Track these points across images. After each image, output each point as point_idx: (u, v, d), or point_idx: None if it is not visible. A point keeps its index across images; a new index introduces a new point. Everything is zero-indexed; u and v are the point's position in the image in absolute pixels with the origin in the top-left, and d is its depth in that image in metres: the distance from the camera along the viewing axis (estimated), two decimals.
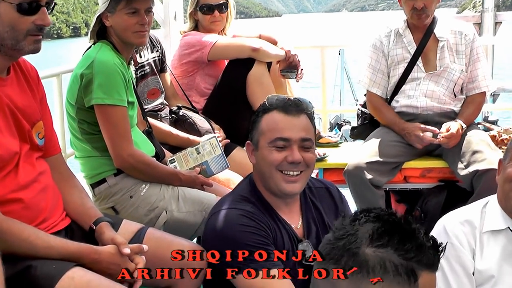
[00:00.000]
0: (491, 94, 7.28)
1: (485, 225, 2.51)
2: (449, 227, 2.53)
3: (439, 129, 4.06)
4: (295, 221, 2.71)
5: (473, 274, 2.48)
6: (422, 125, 4.06)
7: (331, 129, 7.67)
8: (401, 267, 1.52)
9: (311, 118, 2.68)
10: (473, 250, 2.49)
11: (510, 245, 2.48)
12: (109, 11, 3.18)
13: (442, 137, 3.95)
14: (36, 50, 2.37)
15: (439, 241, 1.63)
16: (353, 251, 1.56)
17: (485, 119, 6.16)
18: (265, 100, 2.67)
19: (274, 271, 2.45)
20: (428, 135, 4.01)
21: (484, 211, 2.57)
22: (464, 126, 4.05)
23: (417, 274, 1.53)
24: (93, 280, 2.25)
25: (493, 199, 2.59)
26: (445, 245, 1.62)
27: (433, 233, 2.56)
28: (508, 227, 2.48)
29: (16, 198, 2.34)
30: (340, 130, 6.66)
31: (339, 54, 12.69)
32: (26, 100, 2.46)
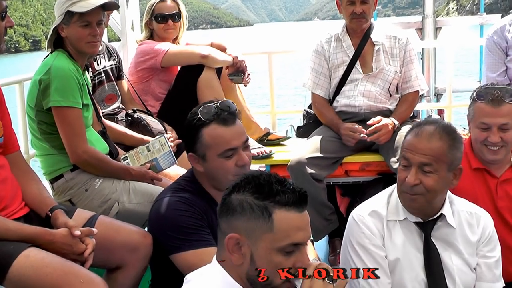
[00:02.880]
0: (435, 94, 7.70)
1: (388, 214, 2.85)
2: (360, 219, 2.84)
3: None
4: None
5: (386, 257, 2.81)
6: (351, 125, 4.39)
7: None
8: (255, 206, 2.01)
9: (239, 118, 2.99)
10: (382, 237, 2.82)
11: (409, 232, 2.83)
12: (64, 23, 3.48)
13: (368, 132, 4.29)
14: None
15: (348, 227, 2.13)
16: (225, 200, 2.09)
17: (428, 118, 6.52)
18: (197, 113, 2.89)
19: (207, 250, 2.75)
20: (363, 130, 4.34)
21: (389, 200, 2.89)
22: (397, 123, 4.38)
23: (270, 211, 2.00)
24: (47, 257, 2.57)
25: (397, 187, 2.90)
26: (305, 191, 2.06)
27: (347, 225, 2.91)
28: (406, 217, 2.82)
29: None
30: None
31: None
32: None
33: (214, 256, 2.17)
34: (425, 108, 7.08)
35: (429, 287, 2.76)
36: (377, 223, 2.82)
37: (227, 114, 2.88)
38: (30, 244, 2.59)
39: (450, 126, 2.79)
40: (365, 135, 4.32)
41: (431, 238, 2.80)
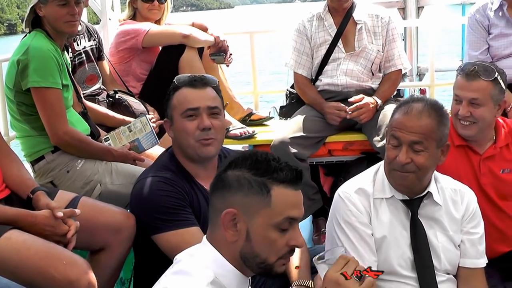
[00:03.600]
0: (417, 74, 7.70)
1: (375, 191, 2.83)
2: (345, 196, 2.82)
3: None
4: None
5: (372, 235, 2.80)
6: (336, 104, 4.37)
7: None
8: (253, 181, 2.01)
9: (217, 90, 3.02)
10: (369, 214, 2.80)
11: (396, 210, 2.81)
12: (42, 2, 3.42)
13: (350, 111, 4.29)
14: None
15: (334, 204, 2.25)
16: (219, 176, 2.08)
17: (411, 97, 6.52)
18: (174, 80, 3.00)
19: (189, 230, 2.77)
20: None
21: (375, 178, 2.87)
22: (379, 101, 4.37)
23: (268, 187, 2.00)
24: (28, 240, 2.54)
25: (383, 165, 2.88)
26: (301, 170, 2.07)
27: (333, 202, 2.90)
28: (393, 195, 2.81)
29: None
30: None
31: None
32: None
33: (204, 237, 2.15)
34: (407, 87, 7.08)
35: (416, 265, 2.76)
36: (364, 201, 2.80)
37: (199, 80, 2.94)
38: (11, 226, 2.56)
39: (437, 103, 2.77)
40: (349, 113, 4.31)
41: (418, 216, 2.80)
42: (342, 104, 4.36)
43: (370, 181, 2.86)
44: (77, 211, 2.79)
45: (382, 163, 2.90)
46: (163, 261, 2.71)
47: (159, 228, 2.78)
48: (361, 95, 4.35)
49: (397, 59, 4.57)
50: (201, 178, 2.98)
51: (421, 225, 2.78)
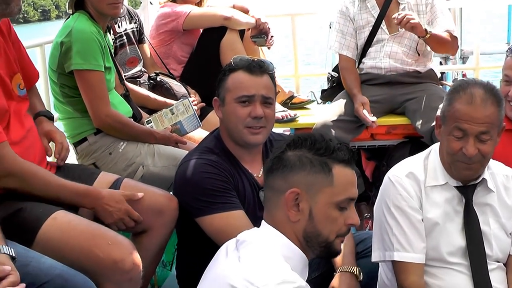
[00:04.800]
0: (461, 57, 7.55)
1: (428, 179, 2.73)
2: (396, 179, 2.74)
3: (405, 88, 4.37)
4: (256, 170, 3.00)
5: (422, 220, 2.72)
6: (361, 109, 4.20)
7: None
8: (315, 160, 2.05)
9: (272, 78, 2.97)
10: (420, 199, 2.72)
11: (450, 196, 2.72)
12: None
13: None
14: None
15: (383, 188, 2.46)
16: (278, 157, 2.10)
17: (454, 81, 6.41)
18: (231, 60, 2.93)
19: (234, 213, 2.75)
20: (370, 118, 4.17)
21: (426, 163, 2.77)
22: (430, 30, 4.18)
23: (329, 166, 2.04)
24: (73, 220, 2.55)
25: (434, 150, 2.79)
26: (358, 148, 2.10)
27: (382, 186, 2.82)
28: (447, 182, 2.72)
29: None
30: None
31: (330, 27, 12.77)
32: (3, 56, 2.71)
33: (263, 220, 2.17)
34: (451, 70, 6.94)
35: (468, 252, 2.68)
36: (414, 185, 2.72)
37: (257, 66, 2.88)
38: (59, 208, 2.56)
39: (494, 86, 2.65)
40: (373, 122, 4.18)
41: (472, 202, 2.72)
42: (367, 113, 4.19)
43: (421, 167, 2.77)
44: (140, 194, 2.85)
45: (432, 148, 2.82)
46: (206, 244, 2.75)
47: (203, 211, 2.76)
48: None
49: (448, 27, 4.35)
50: (246, 162, 2.95)
51: (474, 212, 2.70)
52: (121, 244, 2.50)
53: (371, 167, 4.95)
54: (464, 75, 6.73)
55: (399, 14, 4.08)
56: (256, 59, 2.96)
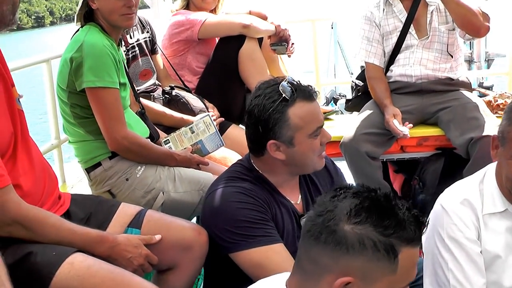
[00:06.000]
0: (485, 60, 7.26)
1: (485, 206, 2.44)
2: (450, 207, 2.45)
3: (437, 97, 4.10)
4: (294, 197, 2.71)
5: (481, 253, 2.43)
6: (392, 120, 3.91)
7: (327, 103, 7.63)
8: (380, 244, 1.56)
9: None
10: (478, 230, 2.43)
11: (510, 224, 2.43)
12: None
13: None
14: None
15: (435, 217, 1.65)
16: (331, 228, 1.60)
17: (480, 85, 6.13)
18: (279, 91, 2.50)
19: (273, 247, 2.45)
20: (402, 128, 3.87)
21: (482, 188, 2.48)
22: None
23: (397, 250, 1.57)
24: (94, 265, 2.24)
25: (489, 173, 2.51)
26: (428, 220, 1.64)
27: (432, 214, 2.52)
28: (507, 209, 2.43)
29: (16, 185, 2.28)
30: (336, 104, 6.64)
31: (332, 28, 12.54)
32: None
33: (284, 282, 1.78)
34: (480, 75, 6.57)
35: None
36: (471, 214, 2.41)
37: (308, 88, 2.54)
38: (74, 249, 2.27)
39: None
40: (405, 134, 3.86)
41: None
42: (398, 124, 3.88)
43: (476, 192, 2.48)
44: (158, 236, 2.57)
45: (487, 170, 2.52)
46: (234, 279, 2.49)
47: (239, 245, 2.46)
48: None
49: (480, 4, 3.99)
50: (284, 188, 2.65)
51: None
52: None
53: (399, 180, 4.70)
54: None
55: None
56: (291, 81, 2.53)
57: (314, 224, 1.64)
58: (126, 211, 2.70)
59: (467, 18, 3.93)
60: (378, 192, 1.64)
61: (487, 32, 4.16)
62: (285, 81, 2.51)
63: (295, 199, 2.70)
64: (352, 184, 1.72)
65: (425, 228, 1.63)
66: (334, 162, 2.98)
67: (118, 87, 3.07)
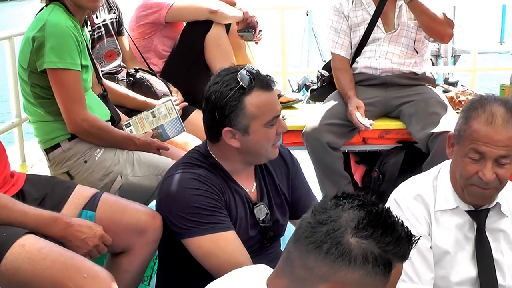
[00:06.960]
0: (452, 55, 7.34)
1: (437, 203, 2.48)
2: (403, 202, 2.49)
3: (401, 90, 4.15)
4: (249, 185, 2.73)
5: (431, 248, 2.47)
6: (354, 113, 3.97)
7: (298, 90, 7.64)
8: (380, 259, 1.56)
9: None
10: (429, 225, 2.47)
11: (462, 222, 2.48)
12: None
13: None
14: None
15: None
16: (337, 240, 1.57)
17: (446, 80, 6.20)
18: (237, 79, 2.49)
19: (224, 234, 2.48)
20: (363, 121, 3.93)
21: (435, 185, 2.52)
22: None
23: (392, 266, 1.58)
24: (45, 247, 2.23)
25: (443, 170, 2.54)
26: (418, 238, 1.65)
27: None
28: (458, 206, 2.47)
29: None
30: (308, 91, 6.66)
31: (307, 15, 12.46)
32: None
33: (266, 279, 1.74)
34: (445, 71, 6.66)
35: (480, 283, 2.44)
36: (423, 210, 2.45)
37: (266, 78, 2.54)
38: (25, 230, 2.26)
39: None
40: (367, 127, 3.92)
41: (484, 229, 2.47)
42: (360, 117, 3.94)
43: (430, 188, 2.51)
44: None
45: (441, 168, 2.56)
46: (190, 263, 2.52)
47: (191, 232, 2.48)
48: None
49: (444, 10, 4.08)
50: (239, 176, 2.67)
51: (487, 239, 2.45)
52: (98, 278, 2.19)
53: (360, 171, 4.73)
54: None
55: None
56: (249, 69, 2.53)
57: (315, 231, 1.60)
58: (81, 193, 2.70)
59: (432, 26, 4.05)
60: (379, 205, 1.64)
61: (450, 39, 4.29)
62: (244, 69, 2.51)
63: (250, 187, 2.71)
64: (353, 193, 1.68)
65: (414, 245, 1.65)
66: (295, 151, 3.01)
67: (80, 69, 3.04)
